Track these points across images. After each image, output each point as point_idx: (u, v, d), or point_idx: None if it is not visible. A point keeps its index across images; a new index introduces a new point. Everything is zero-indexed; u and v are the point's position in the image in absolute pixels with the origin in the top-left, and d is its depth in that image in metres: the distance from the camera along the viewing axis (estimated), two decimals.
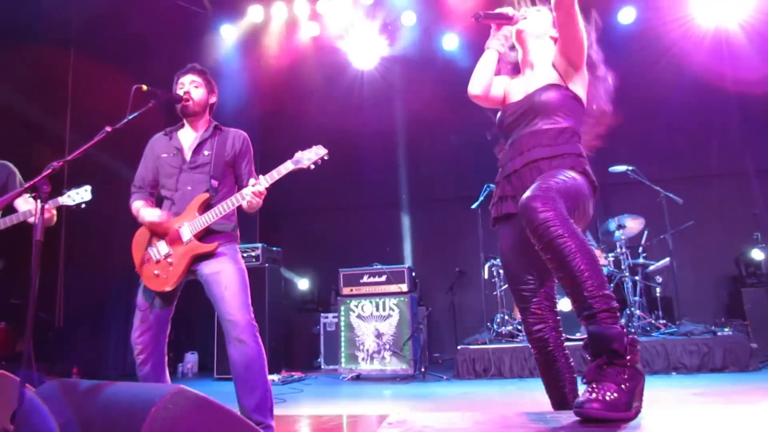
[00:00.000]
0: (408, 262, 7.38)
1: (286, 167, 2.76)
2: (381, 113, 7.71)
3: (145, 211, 2.88)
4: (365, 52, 7.70)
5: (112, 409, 1.44)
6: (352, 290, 6.04)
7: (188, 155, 2.92)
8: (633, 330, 5.30)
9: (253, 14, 7.37)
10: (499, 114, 2.37)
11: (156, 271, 2.83)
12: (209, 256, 2.80)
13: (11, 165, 3.62)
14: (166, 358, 2.91)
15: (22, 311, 6.66)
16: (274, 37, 7.62)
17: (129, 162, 6.93)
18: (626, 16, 6.87)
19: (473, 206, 5.98)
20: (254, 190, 2.70)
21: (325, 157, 2.79)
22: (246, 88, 7.59)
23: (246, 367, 2.68)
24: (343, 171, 7.61)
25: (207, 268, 2.79)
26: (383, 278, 5.97)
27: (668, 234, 5.77)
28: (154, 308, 2.84)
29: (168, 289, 2.80)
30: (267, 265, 6.26)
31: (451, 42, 7.53)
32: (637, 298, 5.61)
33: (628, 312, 5.46)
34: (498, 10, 2.31)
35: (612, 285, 5.70)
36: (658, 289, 5.80)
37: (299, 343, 7.14)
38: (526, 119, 2.19)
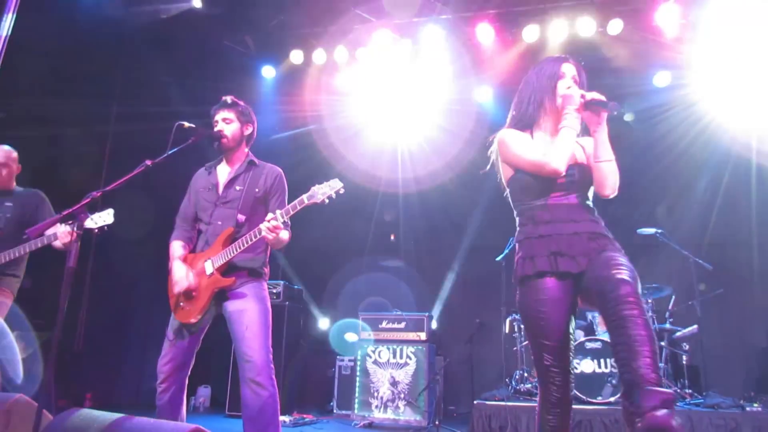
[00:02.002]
0: (427, 310, 7.31)
1: (301, 202, 2.78)
2: (414, 160, 7.79)
3: (175, 269, 2.94)
4: (400, 99, 7.85)
5: None
6: (370, 335, 5.98)
7: (221, 190, 2.99)
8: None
9: (294, 57, 7.60)
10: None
11: (181, 303, 2.90)
12: (234, 290, 2.83)
13: (42, 193, 3.76)
14: (185, 390, 2.91)
15: (44, 331, 6.75)
16: (312, 80, 7.82)
17: (157, 190, 7.11)
18: (661, 79, 6.91)
19: (498, 258, 5.93)
20: (268, 225, 2.71)
21: (341, 191, 2.77)
22: (281, 127, 7.79)
23: (260, 410, 2.66)
24: (369, 216, 7.67)
25: (232, 305, 2.83)
26: (402, 325, 5.91)
27: (696, 300, 5.62)
28: (179, 339, 2.88)
29: (192, 321, 2.84)
30: (287, 303, 6.26)
31: (485, 94, 7.64)
32: (661, 365, 5.44)
33: None
34: (601, 97, 2.29)
35: None
36: (684, 357, 5.62)
37: (313, 384, 7.05)
38: (580, 188, 2.25)
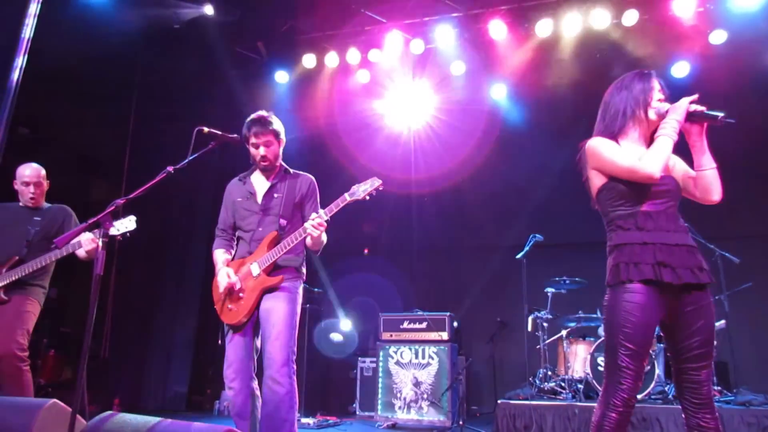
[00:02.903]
0: (449, 310, 7.29)
1: (343, 200, 2.89)
2: (428, 160, 7.77)
3: (219, 274, 3.07)
4: (413, 100, 7.86)
5: None
6: (391, 336, 5.97)
7: (260, 199, 3.11)
8: None
9: (307, 61, 7.63)
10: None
11: (230, 306, 3.00)
12: (274, 289, 2.94)
13: (69, 209, 3.86)
14: (256, 389, 2.98)
15: (71, 340, 6.87)
16: (325, 83, 7.85)
17: (183, 199, 7.16)
18: (680, 70, 6.82)
19: (518, 256, 5.89)
20: (314, 222, 2.81)
21: (380, 188, 2.88)
22: (296, 132, 7.82)
23: (275, 407, 2.75)
24: (388, 216, 7.67)
25: (264, 303, 2.95)
26: (424, 325, 5.89)
27: (724, 295, 5.53)
28: (237, 342, 2.97)
29: (241, 320, 2.95)
30: (308, 305, 6.28)
31: (499, 92, 7.61)
32: None
33: None
34: (708, 110, 2.40)
35: (662, 345, 5.48)
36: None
37: (335, 386, 7.06)
38: (675, 197, 2.33)
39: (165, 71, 7.06)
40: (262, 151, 3.09)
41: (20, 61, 4.98)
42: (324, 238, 2.96)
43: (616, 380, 2.15)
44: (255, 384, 3.00)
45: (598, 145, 2.36)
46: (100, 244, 2.16)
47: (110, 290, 6.70)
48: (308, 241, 2.95)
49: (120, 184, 6.87)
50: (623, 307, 2.17)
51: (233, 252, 3.22)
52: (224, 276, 2.99)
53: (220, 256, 3.17)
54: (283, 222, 3.05)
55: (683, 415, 2.24)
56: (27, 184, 3.75)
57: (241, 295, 2.97)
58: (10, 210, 3.79)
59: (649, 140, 2.38)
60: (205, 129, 2.65)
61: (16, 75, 4.94)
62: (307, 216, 3.05)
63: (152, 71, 7.08)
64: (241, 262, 3.06)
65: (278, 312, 2.87)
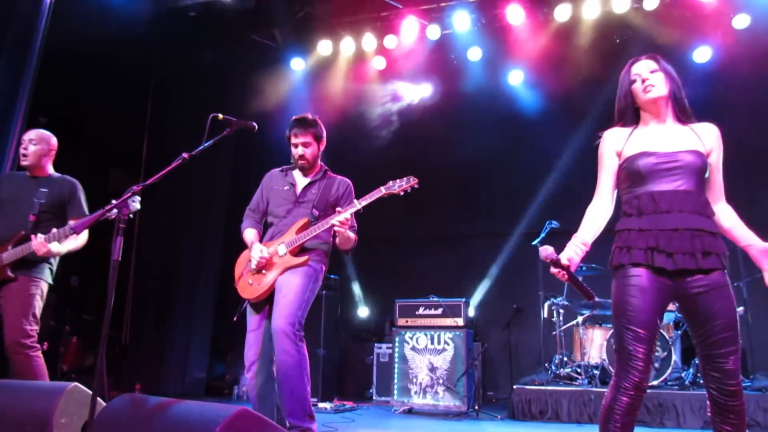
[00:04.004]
0: (464, 296, 7.29)
1: (378, 192, 3.01)
2: (445, 147, 7.74)
3: (253, 248, 3.16)
4: (430, 86, 7.82)
5: (178, 427, 1.48)
6: (407, 321, 6.00)
7: (299, 191, 3.25)
8: (702, 382, 5.00)
9: (322, 48, 7.62)
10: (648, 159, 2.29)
11: (250, 281, 3.10)
12: (292, 269, 3.04)
13: (77, 182, 3.65)
14: (274, 377, 3.02)
15: (93, 327, 7.00)
16: (342, 70, 7.84)
17: (199, 190, 7.22)
18: (702, 55, 6.69)
19: (534, 243, 5.87)
20: (340, 218, 2.93)
21: (416, 185, 3.04)
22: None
23: (285, 372, 2.83)
24: (404, 203, 7.64)
25: (282, 277, 3.03)
26: (439, 311, 5.91)
27: (743, 282, 5.46)
28: (258, 323, 3.07)
29: (260, 296, 3.03)
30: (324, 292, 6.32)
31: (516, 77, 7.54)
32: None
33: (697, 362, 5.15)
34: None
35: (680, 332, 5.44)
36: None
37: (352, 372, 7.12)
38: (686, 175, 2.22)
39: (181, 59, 7.10)
40: (300, 150, 3.22)
41: (38, 50, 5.07)
42: (351, 236, 3.07)
43: (625, 364, 2.14)
44: (274, 368, 3.04)
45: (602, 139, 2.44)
46: (118, 230, 2.19)
47: (130, 278, 6.81)
48: (338, 240, 3.08)
49: (138, 173, 6.95)
50: (623, 291, 2.19)
51: (261, 234, 3.34)
52: (258, 251, 3.09)
53: (251, 234, 3.28)
54: (315, 212, 3.18)
55: (708, 403, 2.19)
56: (23, 142, 3.57)
57: (263, 271, 3.07)
58: (15, 180, 3.61)
59: (653, 110, 2.36)
60: (220, 115, 2.68)
61: (33, 64, 5.03)
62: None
63: (169, 59, 7.12)
64: (268, 245, 3.16)
65: (291, 283, 2.97)
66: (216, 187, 7.20)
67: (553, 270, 2.27)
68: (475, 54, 7.39)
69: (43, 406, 2.17)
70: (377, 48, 7.51)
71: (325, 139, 3.35)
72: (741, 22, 6.33)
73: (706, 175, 2.27)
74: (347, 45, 7.51)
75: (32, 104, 5.06)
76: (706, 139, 2.29)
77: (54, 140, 3.72)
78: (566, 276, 2.25)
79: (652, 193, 2.21)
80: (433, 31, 7.20)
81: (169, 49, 7.07)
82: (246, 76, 7.56)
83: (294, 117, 3.30)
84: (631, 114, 2.39)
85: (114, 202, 2.34)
